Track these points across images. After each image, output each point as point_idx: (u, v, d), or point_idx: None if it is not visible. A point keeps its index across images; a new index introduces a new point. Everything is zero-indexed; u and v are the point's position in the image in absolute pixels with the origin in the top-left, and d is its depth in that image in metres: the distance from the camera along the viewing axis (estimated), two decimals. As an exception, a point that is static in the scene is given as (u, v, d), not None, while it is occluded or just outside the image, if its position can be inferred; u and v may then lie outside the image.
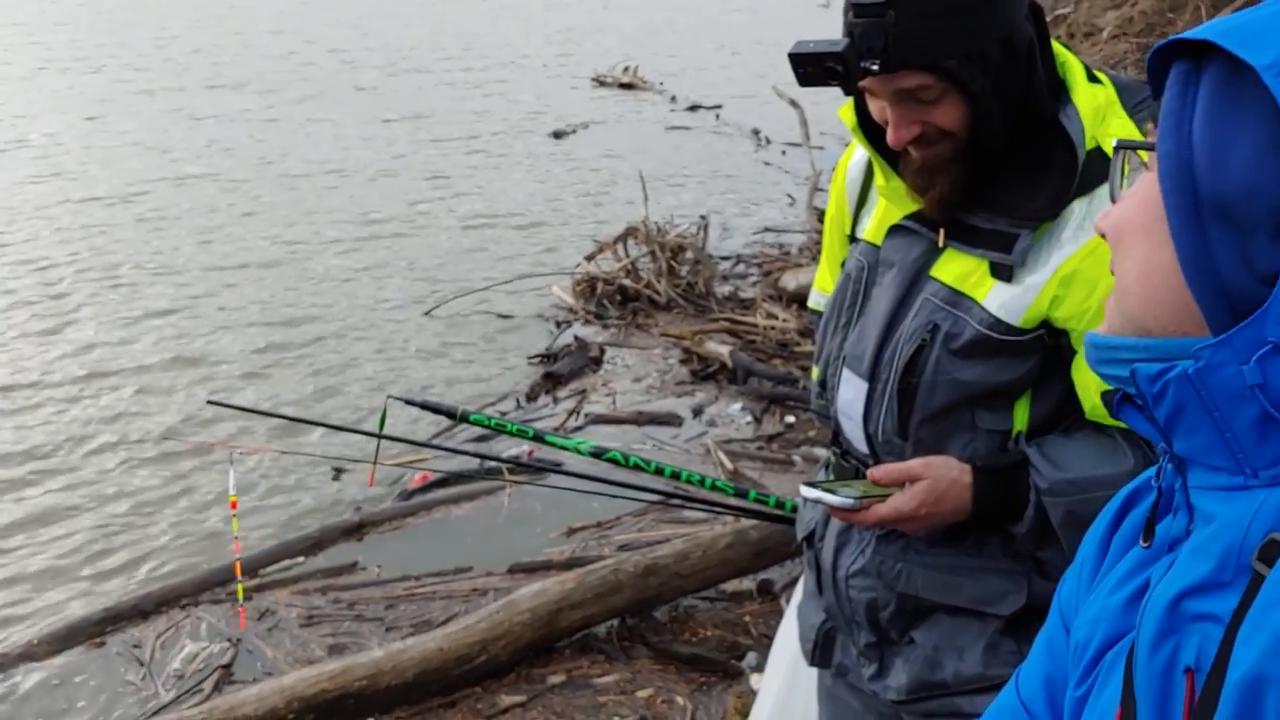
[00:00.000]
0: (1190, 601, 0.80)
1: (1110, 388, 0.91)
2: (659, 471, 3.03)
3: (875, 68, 1.49)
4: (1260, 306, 0.76)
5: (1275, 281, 0.76)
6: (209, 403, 3.72)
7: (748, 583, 4.49)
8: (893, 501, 1.64)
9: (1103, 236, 0.91)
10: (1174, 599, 0.82)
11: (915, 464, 1.67)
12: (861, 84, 1.57)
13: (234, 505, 3.04)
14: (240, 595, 3.69)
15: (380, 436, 3.06)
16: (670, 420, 6.26)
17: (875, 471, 1.70)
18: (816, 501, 1.69)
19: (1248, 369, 0.76)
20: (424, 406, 3.07)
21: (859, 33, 1.50)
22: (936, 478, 1.65)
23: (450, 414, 3.04)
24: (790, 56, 1.53)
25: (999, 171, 1.62)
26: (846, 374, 1.79)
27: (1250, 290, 0.77)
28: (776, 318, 7.49)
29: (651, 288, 8.17)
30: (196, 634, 4.24)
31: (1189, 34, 0.82)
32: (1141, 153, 0.90)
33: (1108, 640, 0.93)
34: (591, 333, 7.66)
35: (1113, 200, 0.91)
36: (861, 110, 1.72)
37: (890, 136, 1.59)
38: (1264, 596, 0.74)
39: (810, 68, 1.53)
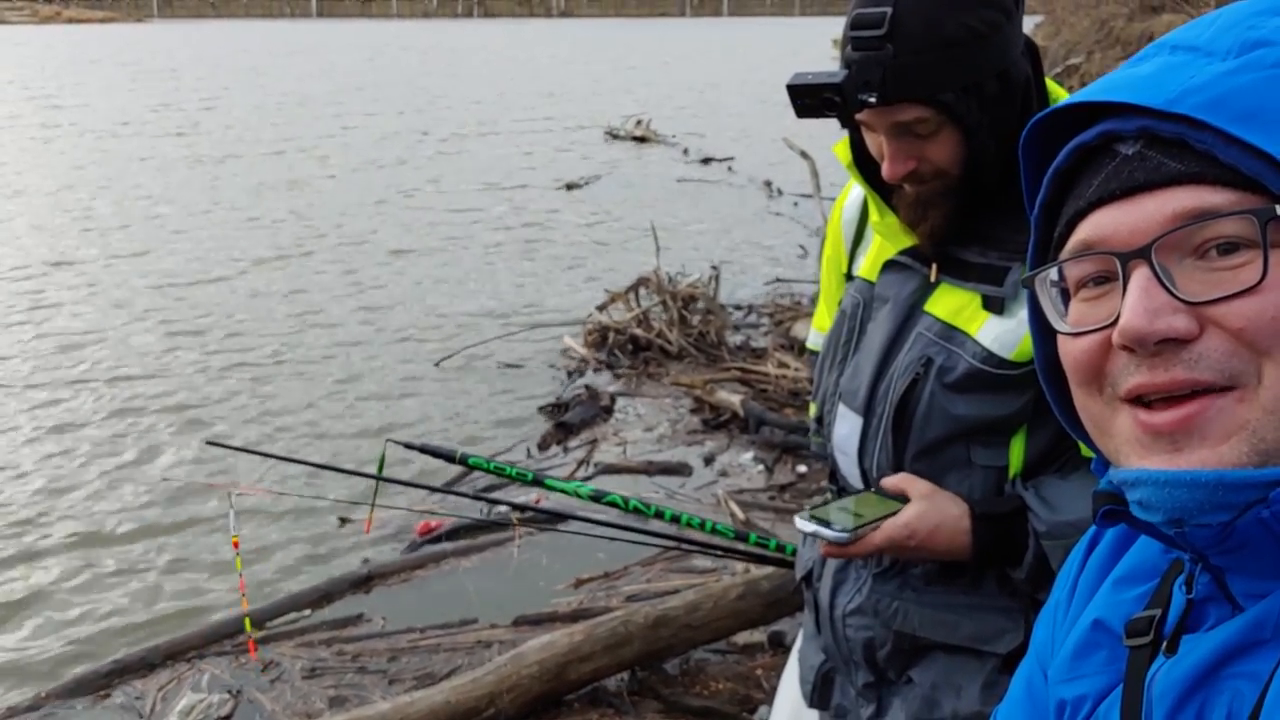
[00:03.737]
0: (1224, 662, 0.77)
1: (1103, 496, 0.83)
2: (659, 515, 2.99)
3: (873, 100, 1.49)
4: None
5: None
6: (208, 443, 3.70)
7: (759, 634, 4.42)
8: (886, 528, 1.62)
9: (1172, 340, 0.75)
10: (1204, 662, 0.78)
11: (922, 483, 1.65)
12: (858, 117, 1.57)
13: (235, 545, 3.01)
14: (248, 627, 3.64)
15: (379, 479, 3.03)
16: (681, 470, 6.22)
17: (886, 481, 1.69)
18: (812, 535, 1.66)
19: None
20: (423, 450, 3.05)
21: (857, 65, 1.50)
22: (934, 505, 1.63)
23: (449, 457, 3.01)
24: (789, 88, 1.54)
25: (991, 206, 1.62)
26: (842, 409, 1.78)
27: None
28: (788, 367, 7.46)
29: (663, 337, 8.16)
30: (199, 686, 4.19)
31: (1162, 104, 0.76)
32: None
33: (1095, 697, 0.89)
34: (603, 382, 7.64)
35: (1253, 285, 0.74)
36: (856, 147, 1.72)
37: (885, 170, 1.58)
38: None
39: (808, 99, 1.53)
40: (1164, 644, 0.83)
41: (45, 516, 5.81)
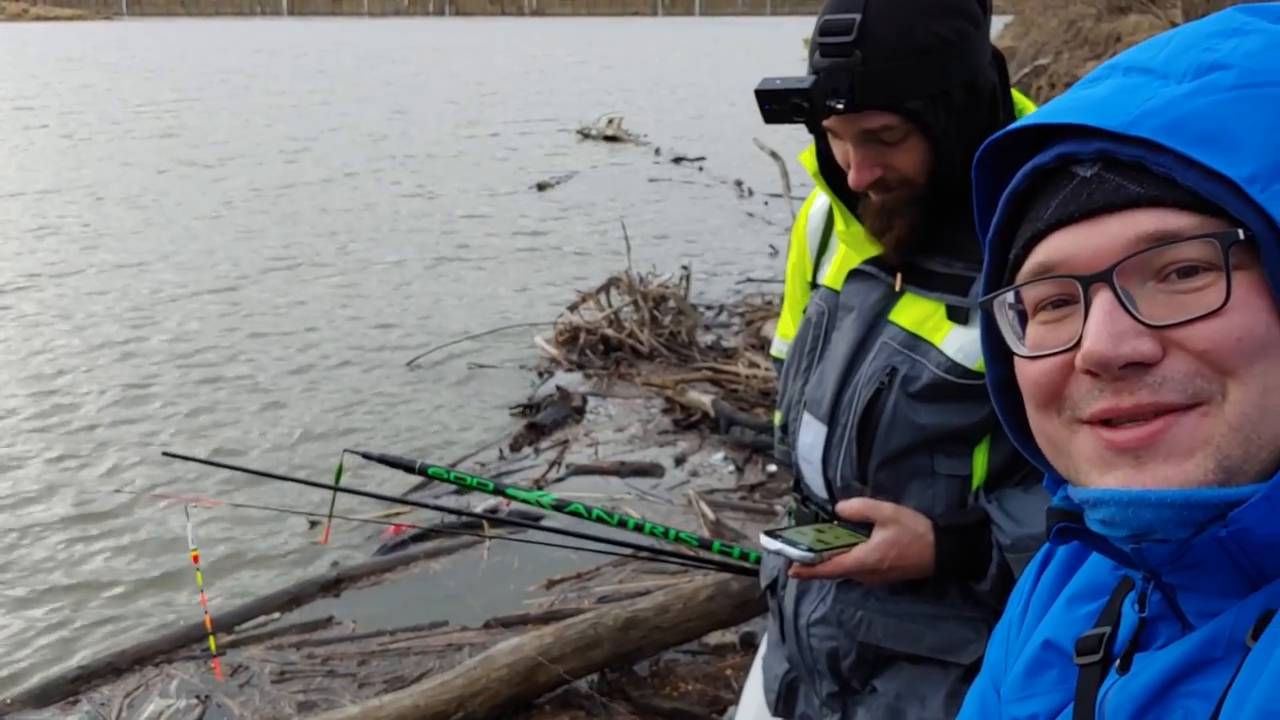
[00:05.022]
0: (1176, 680, 0.77)
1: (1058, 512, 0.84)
2: (622, 524, 2.97)
3: (841, 107, 1.49)
4: None
5: None
6: (164, 454, 3.66)
7: (730, 635, 4.42)
8: (857, 552, 1.61)
9: (1142, 363, 0.76)
10: (1158, 680, 0.78)
11: (886, 507, 1.65)
12: (826, 124, 1.57)
13: (195, 559, 2.97)
14: (213, 647, 3.61)
15: (335, 489, 2.99)
16: (652, 470, 6.22)
17: (844, 506, 1.67)
18: (777, 553, 1.66)
19: None
20: (381, 460, 2.99)
21: (825, 72, 1.49)
22: (903, 528, 1.62)
23: (409, 467, 2.97)
24: (757, 93, 1.53)
25: (957, 216, 1.61)
26: (807, 418, 1.77)
27: None
28: (759, 367, 7.47)
29: (634, 337, 8.16)
30: (166, 692, 4.16)
31: (1115, 126, 0.76)
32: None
33: (1050, 713, 0.90)
34: (574, 382, 7.63)
35: (1213, 310, 0.75)
36: (822, 156, 1.72)
37: (852, 178, 1.58)
38: (1249, 668, 0.72)
39: (776, 105, 1.52)
40: (1115, 662, 0.84)
41: (6, 520, 5.76)
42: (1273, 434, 0.74)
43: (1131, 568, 0.82)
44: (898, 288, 1.68)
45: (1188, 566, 0.76)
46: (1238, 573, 0.75)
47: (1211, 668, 0.75)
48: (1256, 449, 0.74)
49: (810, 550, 1.60)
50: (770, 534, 1.66)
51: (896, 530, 1.62)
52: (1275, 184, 0.70)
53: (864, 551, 1.61)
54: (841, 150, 1.61)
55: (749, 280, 10.40)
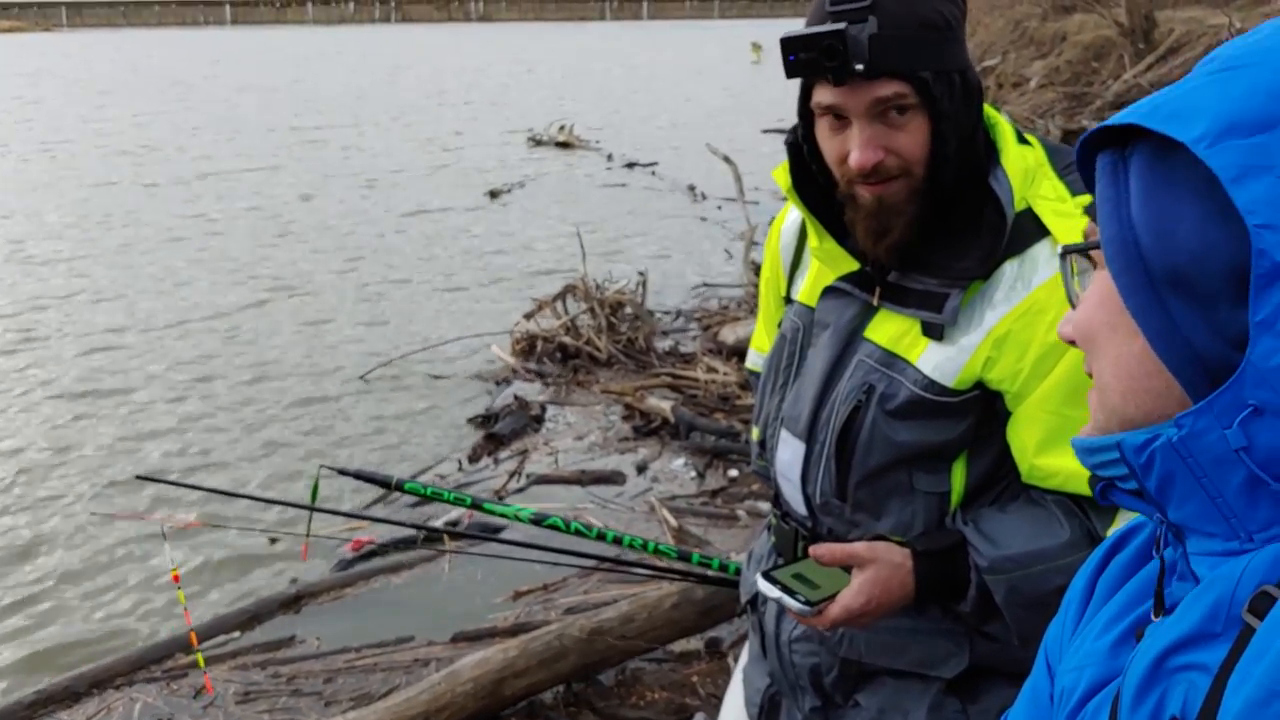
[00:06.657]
0: (1179, 653, 0.81)
1: (1097, 475, 0.90)
2: (601, 537, 2.97)
3: (861, 69, 1.48)
4: (1235, 371, 0.76)
5: (1245, 345, 0.76)
6: (138, 477, 3.62)
7: (695, 642, 4.42)
8: (842, 600, 1.60)
9: (1071, 344, 0.91)
10: (1163, 650, 0.82)
11: (860, 547, 1.63)
12: (833, 100, 1.54)
13: (176, 578, 2.95)
14: (201, 663, 3.58)
15: (312, 509, 2.97)
16: (613, 478, 6.21)
17: (818, 549, 1.65)
18: (776, 601, 1.64)
19: (1230, 433, 0.76)
20: (358, 476, 2.99)
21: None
22: (880, 563, 1.61)
23: (385, 483, 2.96)
24: (783, 41, 1.51)
25: (930, 232, 1.61)
26: (784, 435, 1.77)
27: (1224, 356, 0.78)
28: (717, 371, 7.49)
29: (591, 344, 8.15)
30: (129, 715, 4.10)
31: (1112, 120, 0.83)
32: (1091, 255, 0.90)
33: (1092, 687, 0.92)
34: (532, 391, 7.61)
35: (1071, 305, 0.91)
36: (795, 174, 1.70)
37: (855, 158, 1.54)
38: (1254, 647, 0.74)
39: (805, 52, 1.50)
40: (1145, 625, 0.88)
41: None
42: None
43: (1149, 507, 0.87)
44: (875, 303, 1.68)
45: (1163, 484, 0.82)
46: (1205, 498, 0.80)
47: (1211, 642, 0.78)
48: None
49: (808, 604, 1.59)
50: (768, 578, 1.63)
51: (875, 569, 1.61)
52: (1220, 143, 0.75)
53: (848, 598, 1.60)
54: (834, 144, 1.59)
55: (705, 285, 10.42)
